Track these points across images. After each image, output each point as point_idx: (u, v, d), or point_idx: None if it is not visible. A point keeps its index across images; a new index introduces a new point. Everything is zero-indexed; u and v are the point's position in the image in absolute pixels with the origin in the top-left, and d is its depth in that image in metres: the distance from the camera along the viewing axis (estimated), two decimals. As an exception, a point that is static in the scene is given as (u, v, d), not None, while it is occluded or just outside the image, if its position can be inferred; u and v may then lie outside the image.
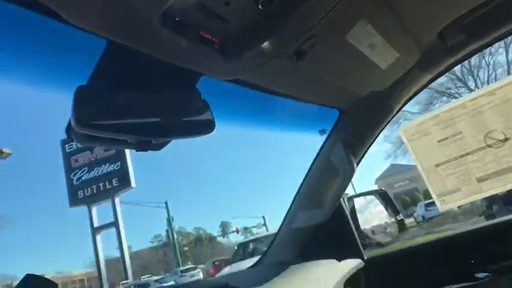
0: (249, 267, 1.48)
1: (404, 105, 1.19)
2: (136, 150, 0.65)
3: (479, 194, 1.11)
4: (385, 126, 1.22)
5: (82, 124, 0.55)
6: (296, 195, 1.29)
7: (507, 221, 1.29)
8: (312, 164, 1.26)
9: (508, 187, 1.13)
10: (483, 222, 1.44)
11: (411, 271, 1.29)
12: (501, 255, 1.18)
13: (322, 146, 1.24)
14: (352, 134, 1.18)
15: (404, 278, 1.29)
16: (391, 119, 1.20)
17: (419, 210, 19.35)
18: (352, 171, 1.17)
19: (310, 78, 0.85)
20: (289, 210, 1.33)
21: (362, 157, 1.25)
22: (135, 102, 0.62)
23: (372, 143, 1.24)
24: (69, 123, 0.56)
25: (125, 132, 0.60)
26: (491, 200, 8.82)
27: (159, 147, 0.68)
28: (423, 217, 18.47)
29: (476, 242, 1.28)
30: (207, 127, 0.69)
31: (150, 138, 0.64)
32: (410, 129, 1.20)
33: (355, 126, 1.18)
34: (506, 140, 1.08)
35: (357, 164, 1.20)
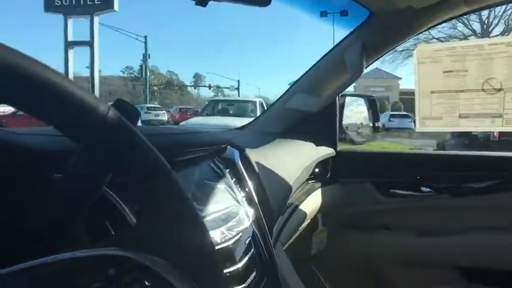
0: (236, 128, 1.64)
1: (431, 27, 1.24)
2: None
3: (455, 127, 1.27)
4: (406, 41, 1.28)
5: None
6: (301, 77, 1.38)
7: (457, 154, 1.50)
8: (326, 54, 1.33)
9: (479, 129, 1.29)
10: (437, 150, 1.64)
11: (370, 172, 1.51)
12: (445, 180, 1.41)
13: (341, 41, 1.29)
14: (374, 39, 1.23)
15: (359, 173, 1.51)
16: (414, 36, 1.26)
17: (384, 118, 20.60)
18: (360, 73, 1.26)
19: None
20: (289, 88, 1.44)
21: (372, 63, 1.33)
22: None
23: (387, 52, 1.32)
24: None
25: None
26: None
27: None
28: (383, 125, 19.80)
29: (427, 164, 1.49)
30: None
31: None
32: (424, 52, 1.28)
33: (380, 33, 1.22)
34: (499, 90, 1.19)
35: (365, 68, 1.29)
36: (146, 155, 0.33)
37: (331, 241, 1.45)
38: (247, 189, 0.85)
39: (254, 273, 0.72)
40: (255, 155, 1.01)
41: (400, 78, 36.28)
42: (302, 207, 1.18)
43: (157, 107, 25.55)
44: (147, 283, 0.32)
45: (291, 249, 1.16)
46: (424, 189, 1.46)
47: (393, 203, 1.45)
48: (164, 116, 23.76)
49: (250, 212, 0.80)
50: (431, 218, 1.45)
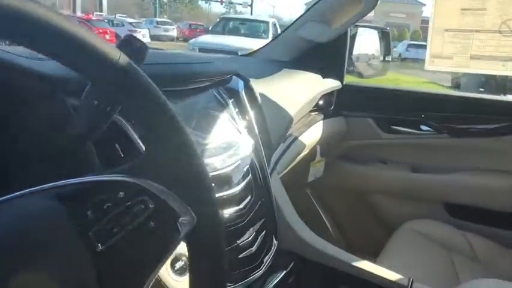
0: (245, 55, 1.63)
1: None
2: None
3: (465, 68, 1.26)
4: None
5: None
6: (315, 4, 1.34)
7: (469, 96, 1.49)
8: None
9: (489, 72, 1.28)
10: (452, 91, 1.63)
11: (373, 106, 1.53)
12: (447, 120, 1.43)
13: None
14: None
15: (362, 107, 1.53)
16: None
17: (401, 47, 19.85)
18: (374, 6, 1.22)
19: None
20: (300, 16, 1.41)
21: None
22: None
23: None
24: None
25: None
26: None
27: None
28: (400, 55, 19.11)
29: (432, 103, 1.49)
30: None
31: None
32: (445, -15, 1.22)
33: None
34: (517, 33, 1.16)
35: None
36: (148, 96, 0.36)
37: (328, 171, 1.52)
38: (248, 120, 0.89)
39: (250, 196, 0.79)
40: (259, 85, 1.03)
41: (424, 5, 34.13)
42: (302, 138, 1.22)
43: (167, 22, 24.64)
44: (151, 206, 0.38)
45: (288, 176, 1.24)
46: (424, 127, 1.49)
47: (393, 139, 1.50)
48: (173, 32, 23.05)
49: (250, 141, 0.85)
50: (428, 156, 1.50)
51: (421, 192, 1.50)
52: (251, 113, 0.90)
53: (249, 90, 0.96)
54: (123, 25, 17.60)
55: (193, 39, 10.51)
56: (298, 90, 1.25)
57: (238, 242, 0.74)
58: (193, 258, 0.43)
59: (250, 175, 0.81)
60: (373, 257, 1.22)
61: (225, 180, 0.73)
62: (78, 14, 18.63)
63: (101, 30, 14.07)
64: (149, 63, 0.41)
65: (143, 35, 16.20)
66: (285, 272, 0.82)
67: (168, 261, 0.61)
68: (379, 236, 1.42)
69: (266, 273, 0.80)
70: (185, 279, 0.62)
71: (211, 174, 0.70)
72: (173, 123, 0.38)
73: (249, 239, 0.76)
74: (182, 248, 0.64)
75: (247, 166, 0.81)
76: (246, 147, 0.83)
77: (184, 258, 0.63)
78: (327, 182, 1.60)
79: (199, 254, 0.43)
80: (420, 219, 1.39)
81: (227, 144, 0.78)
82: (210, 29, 13.00)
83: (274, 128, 1.01)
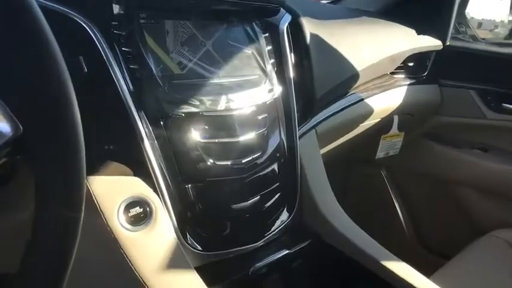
0: (328, 2, 1.41)
1: None
2: None
3: None
4: None
5: None
6: None
7: None
8: None
9: None
10: None
11: (482, 77, 1.18)
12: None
13: None
14: None
15: (467, 77, 1.19)
16: None
17: None
18: None
19: None
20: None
21: None
22: None
23: None
24: None
25: None
26: None
27: None
28: None
29: None
30: None
31: None
32: None
33: None
34: None
35: None
36: None
37: (409, 150, 1.25)
38: (282, 61, 0.72)
39: (258, 152, 0.63)
40: (320, 28, 0.84)
41: None
42: (370, 101, 0.99)
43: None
44: None
45: (345, 145, 1.03)
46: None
47: (501, 121, 1.15)
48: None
49: (276, 86, 0.68)
50: None
51: None
52: (288, 54, 0.73)
53: (295, 27, 0.78)
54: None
55: None
56: (375, 43, 1.01)
57: (233, 204, 0.60)
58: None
59: (265, 127, 0.65)
60: (446, 259, 0.97)
61: (224, 124, 0.59)
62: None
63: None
64: None
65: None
66: (288, 251, 0.65)
67: (121, 206, 0.50)
68: (460, 238, 1.13)
69: (266, 249, 0.65)
70: (140, 233, 0.51)
71: (209, 113, 0.57)
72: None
73: (246, 203, 0.61)
74: (139, 192, 0.54)
75: (264, 115, 0.65)
76: (268, 91, 0.66)
77: (144, 204, 0.52)
78: (405, 163, 1.33)
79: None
80: None
81: (239, 83, 0.63)
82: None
83: (324, 78, 0.82)
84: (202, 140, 0.57)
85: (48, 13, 0.46)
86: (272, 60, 0.70)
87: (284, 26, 0.74)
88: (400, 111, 1.13)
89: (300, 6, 0.87)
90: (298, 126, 0.76)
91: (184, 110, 0.55)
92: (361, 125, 1.01)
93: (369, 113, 1.01)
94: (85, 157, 0.47)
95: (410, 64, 1.15)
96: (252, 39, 0.68)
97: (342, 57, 0.88)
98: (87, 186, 0.49)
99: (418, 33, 1.13)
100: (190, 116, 0.56)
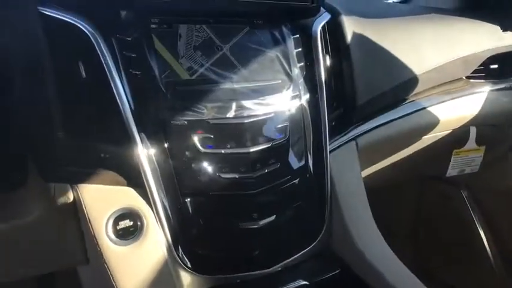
0: (400, 1, 1.27)
1: None
2: None
3: None
4: None
5: None
6: None
7: None
8: None
9: None
10: None
11: None
12: None
13: None
14: None
15: None
16: None
17: None
18: None
19: None
20: None
21: None
22: None
23: None
24: None
25: None
26: None
27: None
28: None
29: None
30: None
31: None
32: None
33: None
34: None
35: None
36: None
37: (493, 167, 1.06)
38: (314, 64, 0.64)
39: (273, 163, 0.56)
40: (368, 27, 0.74)
41: None
42: (436, 109, 0.85)
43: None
44: None
45: (404, 161, 0.89)
46: None
47: None
48: None
49: (304, 92, 0.61)
50: None
51: None
52: (320, 56, 0.64)
53: (335, 26, 0.69)
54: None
55: None
56: (443, 43, 0.87)
57: (240, 222, 0.54)
58: None
59: (285, 137, 0.58)
60: None
61: (233, 133, 0.54)
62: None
63: None
64: None
65: None
66: (306, 282, 0.56)
67: (111, 217, 0.48)
68: None
69: (280, 277, 0.57)
70: (128, 248, 0.48)
71: (215, 121, 0.52)
72: None
73: (257, 222, 0.54)
74: (131, 204, 0.51)
75: (284, 124, 0.58)
76: (289, 97, 0.59)
77: (135, 217, 0.49)
78: (490, 182, 1.13)
79: None
80: None
81: (256, 89, 0.57)
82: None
83: (369, 83, 0.71)
84: (205, 150, 0.52)
85: (48, 21, 0.46)
86: (301, 64, 0.63)
87: (318, 26, 0.66)
88: (479, 122, 0.95)
89: (349, 5, 0.78)
90: (333, 137, 0.67)
91: (186, 118, 0.51)
92: (424, 137, 0.87)
93: (435, 123, 0.86)
94: (80, 163, 0.46)
95: (493, 66, 0.97)
96: (277, 42, 0.62)
97: (396, 59, 0.77)
98: (78, 194, 0.48)
99: (504, 29, 0.95)
100: (194, 123, 0.52)
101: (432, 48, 0.83)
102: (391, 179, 0.98)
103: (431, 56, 0.83)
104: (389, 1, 1.27)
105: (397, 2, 1.32)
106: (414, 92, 0.83)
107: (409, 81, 0.78)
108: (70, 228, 0.49)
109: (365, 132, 0.72)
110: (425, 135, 0.87)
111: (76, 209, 0.48)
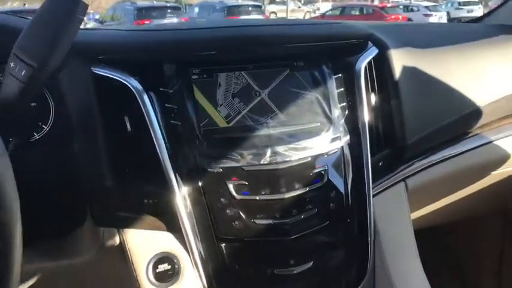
0: (471, 21, 1.18)
1: None
2: None
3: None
4: None
5: None
6: None
7: None
8: None
9: None
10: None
11: None
12: None
13: None
14: None
15: None
16: None
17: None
18: None
19: None
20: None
21: None
22: None
23: None
24: None
25: None
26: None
27: None
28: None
29: None
30: None
31: None
32: None
33: None
34: None
35: None
36: None
37: None
38: (356, 103, 0.62)
39: (312, 211, 0.55)
40: (421, 58, 0.71)
41: None
42: (505, 143, 0.77)
43: (471, 1, 21.50)
44: None
45: (467, 200, 0.81)
46: None
47: None
48: (479, 11, 19.80)
49: (344, 134, 0.59)
50: None
51: None
52: (363, 95, 0.62)
53: (382, 61, 0.67)
54: (418, 10, 16.85)
55: None
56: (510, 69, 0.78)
57: (276, 268, 0.54)
58: None
59: (323, 181, 0.57)
60: None
61: (268, 179, 0.54)
62: (376, 2, 19.15)
63: (393, 17, 14.09)
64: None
65: (440, 17, 15.05)
66: None
67: (151, 261, 0.51)
68: None
69: None
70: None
71: (250, 167, 0.53)
72: None
73: (293, 269, 0.53)
74: (170, 248, 0.53)
75: (323, 168, 0.57)
76: (328, 140, 0.58)
77: (172, 261, 0.52)
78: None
79: None
80: None
81: (292, 134, 0.57)
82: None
83: (421, 119, 0.67)
84: (240, 197, 0.53)
85: (98, 79, 0.52)
86: (343, 104, 0.62)
87: (363, 63, 0.63)
88: None
89: (400, 34, 0.75)
90: (380, 179, 0.64)
91: (222, 165, 0.53)
92: (492, 173, 0.79)
93: (505, 157, 0.78)
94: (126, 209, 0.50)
95: None
96: (317, 82, 0.61)
97: (452, 91, 0.71)
98: (123, 238, 0.52)
99: None
100: (229, 171, 0.53)
101: (495, 76, 0.76)
102: (442, 220, 0.90)
103: (494, 86, 0.75)
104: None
105: (466, 22, 1.23)
106: (479, 125, 0.76)
107: (469, 115, 0.72)
108: (114, 270, 0.53)
109: (417, 172, 0.68)
110: (493, 170, 0.79)
111: (122, 252, 0.52)
